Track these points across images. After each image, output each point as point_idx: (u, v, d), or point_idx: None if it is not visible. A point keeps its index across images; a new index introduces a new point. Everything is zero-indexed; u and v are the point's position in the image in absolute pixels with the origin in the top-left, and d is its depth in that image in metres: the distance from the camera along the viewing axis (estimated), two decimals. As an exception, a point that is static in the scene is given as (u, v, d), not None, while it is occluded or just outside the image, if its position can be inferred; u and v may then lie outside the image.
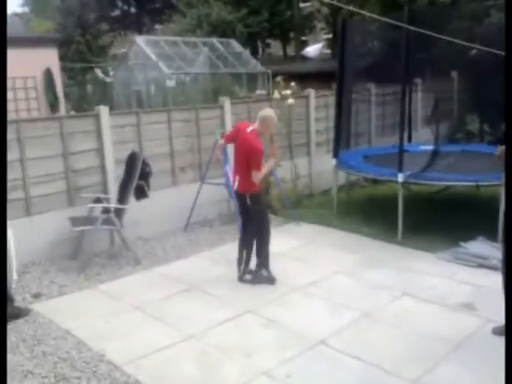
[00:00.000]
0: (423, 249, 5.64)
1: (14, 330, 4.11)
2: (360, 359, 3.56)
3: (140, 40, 15.91)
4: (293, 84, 7.99)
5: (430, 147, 7.60)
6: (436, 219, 6.29)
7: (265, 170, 4.78)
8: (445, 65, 9.25)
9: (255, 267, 5.00)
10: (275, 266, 5.40)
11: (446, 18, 8.49)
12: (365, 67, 8.00)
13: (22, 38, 13.21)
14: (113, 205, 5.77)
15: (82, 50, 22.38)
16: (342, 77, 7.16)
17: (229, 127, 7.24)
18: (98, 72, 16.38)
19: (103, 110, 6.06)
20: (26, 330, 4.10)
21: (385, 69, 7.74)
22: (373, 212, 6.56)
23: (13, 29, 15.78)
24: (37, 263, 5.51)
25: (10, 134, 5.38)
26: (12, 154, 5.38)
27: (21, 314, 4.35)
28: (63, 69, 14.64)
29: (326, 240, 5.39)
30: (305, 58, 24.89)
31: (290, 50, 28.35)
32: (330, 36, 25.49)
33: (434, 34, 5.33)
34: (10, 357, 3.67)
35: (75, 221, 5.53)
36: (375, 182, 8.12)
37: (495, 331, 3.82)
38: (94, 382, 3.36)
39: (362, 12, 9.49)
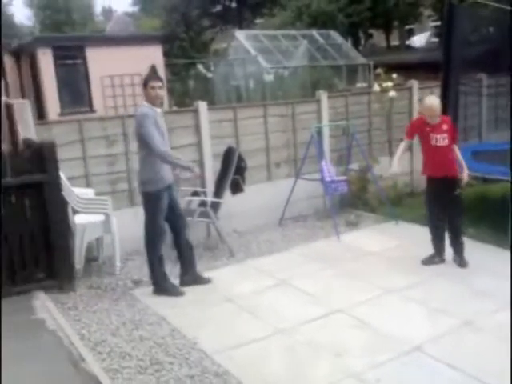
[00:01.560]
0: (536, 255, 5.23)
1: (115, 313, 4.45)
2: (458, 369, 3.41)
3: (240, 35, 16.30)
4: (394, 75, 7.77)
5: (549, 143, 7.01)
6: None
7: None
8: None
9: None
10: (370, 264, 5.35)
11: None
12: (475, 56, 7.54)
13: (129, 36, 14.09)
14: (209, 198, 5.98)
15: (185, 47, 23.35)
16: (449, 66, 6.81)
17: (325, 121, 7.23)
18: (200, 67, 16.94)
19: (202, 106, 6.32)
20: (126, 315, 4.42)
21: (498, 57, 7.24)
22: (481, 213, 6.20)
23: (123, 28, 16.90)
24: (139, 252, 5.86)
25: (116, 129, 5.82)
26: (117, 148, 5.81)
27: (200, 281, 4.89)
28: (167, 65, 15.37)
29: (426, 240, 5.20)
30: (410, 48, 24.03)
31: (394, 40, 27.47)
32: (438, 23, 24.31)
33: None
34: (110, 338, 4.00)
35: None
36: (486, 180, 7.67)
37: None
38: (186, 368, 3.56)
39: (473, -4, 8.97)
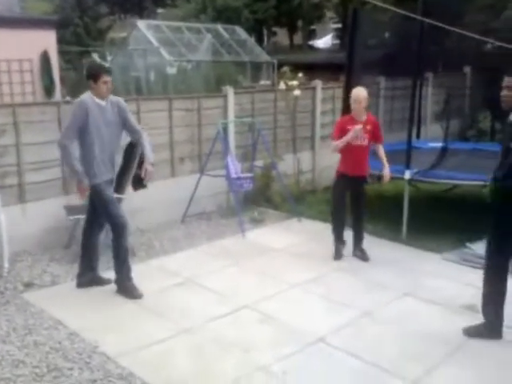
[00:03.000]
0: (429, 249, 5.73)
1: (4, 318, 4.20)
2: (358, 357, 3.66)
3: (141, 24, 15.96)
4: (300, 75, 8.07)
5: (440, 144, 7.67)
6: (443, 219, 6.38)
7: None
8: (458, 59, 9.31)
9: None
10: (275, 261, 5.53)
11: (461, 10, 8.54)
12: (375, 59, 8.06)
13: (20, 18, 13.26)
14: (109, 194, 5.85)
15: (80, 33, 22.39)
16: (351, 68, 7.21)
17: (232, 117, 7.33)
18: (95, 56, 16.35)
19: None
20: (17, 320, 4.19)
21: (395, 61, 7.80)
22: (377, 210, 6.64)
23: (8, 9, 15.88)
24: (29, 252, 5.61)
25: (6, 118, 5.48)
26: (7, 139, 5.47)
27: (99, 281, 4.73)
28: (60, 52, 14.67)
29: (328, 237, 5.48)
30: (312, 48, 24.97)
31: (297, 39, 28.38)
32: (340, 26, 25.52)
33: (449, 27, 5.40)
34: (0, 346, 3.77)
35: (70, 209, 5.63)
36: (381, 178, 8.20)
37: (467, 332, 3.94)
38: (87, 372, 3.46)
39: (374, 1, 9.55)
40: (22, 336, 3.94)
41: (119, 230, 4.58)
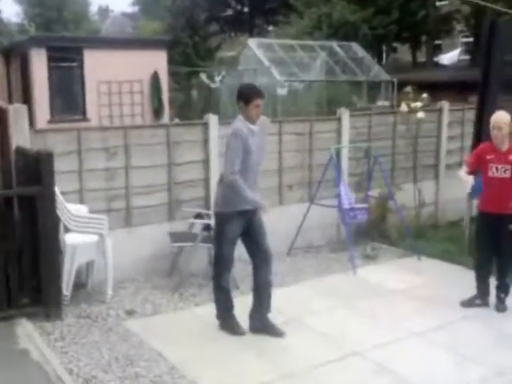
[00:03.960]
0: None
1: (106, 346, 4.46)
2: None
3: (252, 43, 16.52)
4: (425, 95, 7.88)
5: None
6: None
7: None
8: None
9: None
10: (390, 303, 5.37)
11: None
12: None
13: (132, 40, 14.31)
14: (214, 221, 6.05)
15: (189, 53, 23.67)
16: (486, 87, 6.89)
17: (346, 142, 7.31)
18: (203, 77, 17.16)
19: (212, 120, 6.40)
20: (119, 348, 4.43)
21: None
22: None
23: (120, 29, 17.12)
24: (132, 278, 5.91)
25: (118, 140, 5.89)
26: (117, 162, 5.89)
27: (271, 331, 4.65)
28: (169, 73, 15.61)
29: (453, 279, 5.23)
30: (437, 65, 24.26)
31: (420, 56, 27.76)
32: (471, 39, 24.56)
33: None
34: (101, 375, 4.00)
35: (174, 236, 5.88)
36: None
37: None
38: (186, 409, 3.55)
39: (512, 12, 9.13)
40: (123, 366, 4.14)
41: (223, 267, 4.65)
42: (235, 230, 4.55)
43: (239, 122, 4.46)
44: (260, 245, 4.67)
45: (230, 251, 4.64)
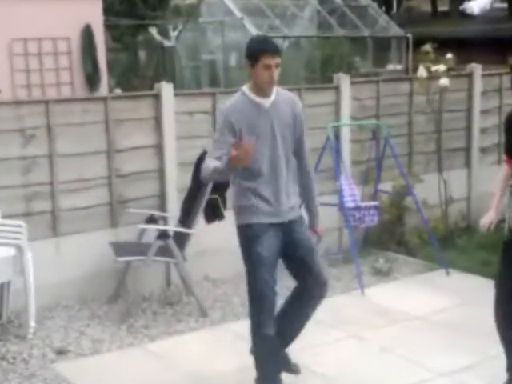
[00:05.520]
0: None
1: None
2: None
3: (218, -14, 16.46)
4: (449, 56, 7.92)
5: None
6: None
7: None
8: None
9: None
10: (411, 334, 5.40)
11: None
12: None
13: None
14: (173, 227, 6.00)
15: (133, 0, 23.47)
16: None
17: (347, 119, 7.33)
18: (154, 32, 17.07)
19: (166, 89, 6.35)
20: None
21: None
22: None
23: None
24: (62, 305, 5.86)
25: (35, 119, 5.81)
26: (36, 148, 5.81)
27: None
28: (107, 27, 15.45)
29: (492, 300, 5.25)
30: (463, 16, 24.55)
31: (442, 3, 28.03)
32: (508, -19, 24.90)
33: None
34: None
35: (119, 248, 5.83)
36: None
37: None
38: None
39: None
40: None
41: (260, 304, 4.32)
42: (265, 248, 4.19)
43: (237, 95, 4.26)
44: (308, 266, 4.35)
45: (266, 279, 4.23)
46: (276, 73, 4.08)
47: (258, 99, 4.17)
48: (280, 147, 4.20)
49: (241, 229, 4.31)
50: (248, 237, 4.26)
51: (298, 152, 4.34)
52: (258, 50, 4.08)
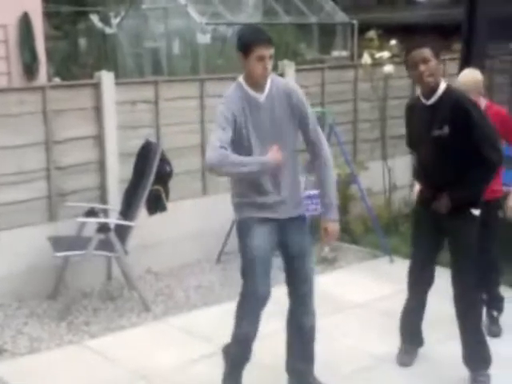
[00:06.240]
0: None
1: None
2: None
3: (161, -28, 16.29)
4: (393, 42, 7.99)
5: None
6: None
7: None
8: None
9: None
10: (354, 321, 5.46)
11: None
12: (510, 18, 7.83)
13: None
14: (114, 220, 5.95)
15: (74, -13, 23.13)
16: (472, 32, 7.05)
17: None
18: (95, 19, 16.82)
19: (106, 78, 6.28)
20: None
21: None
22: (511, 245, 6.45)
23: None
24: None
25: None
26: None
27: None
28: (46, 14, 15.16)
29: (437, 286, 5.31)
30: (409, 3, 24.75)
31: (389, -10, 28.21)
32: (453, -33, 25.20)
33: None
34: None
35: (57, 242, 5.74)
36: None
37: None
38: None
39: None
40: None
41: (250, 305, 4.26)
42: (259, 244, 4.06)
43: (233, 87, 4.10)
44: (296, 271, 4.24)
45: (258, 275, 4.10)
46: (270, 64, 3.97)
47: (253, 93, 4.03)
48: (278, 141, 4.03)
49: (238, 223, 4.19)
50: (243, 231, 4.13)
51: (308, 141, 4.20)
52: (251, 41, 3.94)
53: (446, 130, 4.26)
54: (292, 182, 4.17)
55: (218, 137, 3.88)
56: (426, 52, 4.27)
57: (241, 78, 4.08)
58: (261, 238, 4.06)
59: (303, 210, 4.33)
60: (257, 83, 4.01)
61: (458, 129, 4.24)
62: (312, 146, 4.19)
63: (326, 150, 4.19)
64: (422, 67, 4.23)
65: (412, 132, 4.65)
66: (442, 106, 4.32)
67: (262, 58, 3.91)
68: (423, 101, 4.41)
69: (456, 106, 4.27)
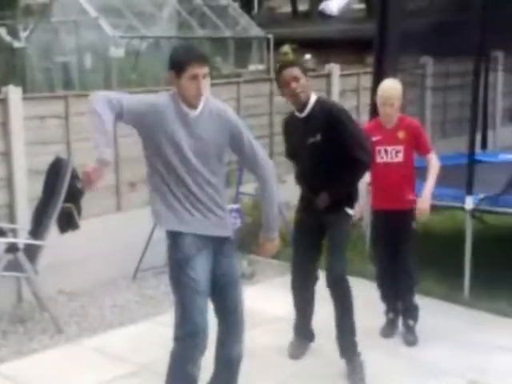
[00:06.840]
0: (501, 312, 5.74)
1: None
2: None
3: (71, -16, 16.12)
4: (308, 56, 8.12)
5: (515, 157, 7.70)
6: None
7: None
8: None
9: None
10: (270, 337, 5.50)
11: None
12: (419, 32, 8.09)
13: None
14: (22, 240, 5.83)
15: (-20, -1, 22.64)
16: (384, 46, 7.23)
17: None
18: (3, 32, 16.53)
19: (13, 93, 6.19)
20: None
21: (449, 35, 7.85)
22: (426, 255, 6.60)
23: None
24: None
25: None
26: None
27: None
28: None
29: (359, 298, 5.41)
30: (324, 17, 25.23)
31: (303, 5, 28.73)
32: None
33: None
34: None
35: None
36: (432, 208, 8.18)
37: None
38: None
39: None
40: None
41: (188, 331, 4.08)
42: (194, 265, 3.99)
43: (166, 96, 3.97)
44: (226, 298, 4.21)
45: (194, 302, 3.96)
46: (203, 84, 3.88)
47: (185, 108, 3.91)
48: (201, 159, 3.95)
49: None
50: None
51: (244, 162, 4.32)
52: (184, 59, 3.83)
53: (318, 137, 4.73)
54: (210, 200, 4.03)
55: (124, 95, 3.98)
56: (296, 71, 4.78)
57: (175, 92, 3.95)
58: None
59: (229, 232, 4.20)
60: (190, 103, 3.89)
61: (330, 135, 4.70)
62: (249, 167, 4.17)
63: (265, 167, 4.08)
64: (294, 84, 4.71)
65: (290, 143, 5.11)
66: (315, 117, 4.79)
67: (195, 77, 3.80)
68: (297, 114, 4.88)
69: (329, 115, 4.75)
